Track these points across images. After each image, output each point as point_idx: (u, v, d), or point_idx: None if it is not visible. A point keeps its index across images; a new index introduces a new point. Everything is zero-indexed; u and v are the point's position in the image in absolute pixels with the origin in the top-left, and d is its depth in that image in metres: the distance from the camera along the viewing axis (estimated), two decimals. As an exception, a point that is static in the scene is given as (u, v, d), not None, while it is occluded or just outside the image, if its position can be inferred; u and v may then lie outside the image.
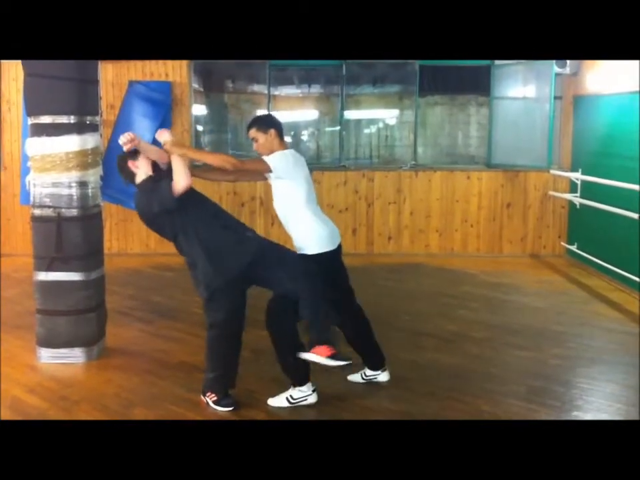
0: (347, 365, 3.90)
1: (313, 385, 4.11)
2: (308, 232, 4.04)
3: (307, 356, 3.86)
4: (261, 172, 4.00)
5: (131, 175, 3.99)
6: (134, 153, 3.94)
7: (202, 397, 4.12)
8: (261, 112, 9.12)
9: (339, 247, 4.15)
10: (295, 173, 4.00)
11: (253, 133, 4.08)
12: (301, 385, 4.09)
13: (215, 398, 4.05)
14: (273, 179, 4.03)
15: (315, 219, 4.06)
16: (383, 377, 4.41)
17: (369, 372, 4.41)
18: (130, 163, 3.95)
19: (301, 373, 4.09)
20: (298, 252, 4.06)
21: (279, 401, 4.10)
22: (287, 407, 4.06)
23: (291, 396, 4.09)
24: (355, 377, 4.43)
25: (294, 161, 4.03)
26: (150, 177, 3.95)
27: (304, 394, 4.09)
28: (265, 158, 3.96)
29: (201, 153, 3.95)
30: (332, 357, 3.79)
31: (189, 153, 4.02)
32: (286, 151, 4.04)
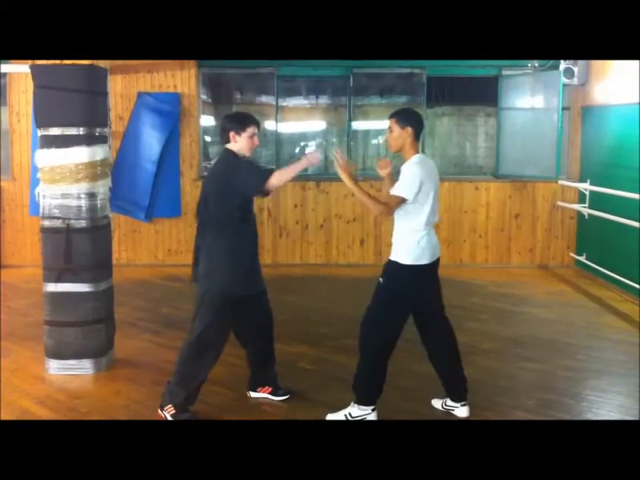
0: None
1: (374, 404, 3.97)
2: (404, 242, 3.96)
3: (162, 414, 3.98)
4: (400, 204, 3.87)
5: (226, 140, 4.04)
6: (242, 126, 3.99)
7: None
8: (269, 123, 9.17)
9: (436, 261, 4.07)
10: (423, 193, 3.88)
11: (392, 123, 3.96)
12: (365, 405, 3.95)
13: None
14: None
15: (413, 231, 3.95)
16: (461, 411, 4.13)
17: (449, 402, 4.18)
18: (232, 133, 3.99)
19: (370, 396, 3.95)
20: (391, 259, 3.97)
21: (337, 417, 3.98)
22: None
23: (349, 413, 3.95)
24: (437, 403, 4.26)
25: (427, 175, 3.90)
26: (236, 154, 4.00)
27: (363, 412, 3.94)
28: (398, 190, 3.83)
29: (364, 196, 3.92)
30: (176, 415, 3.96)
31: (355, 190, 3.88)
32: (417, 169, 3.87)
